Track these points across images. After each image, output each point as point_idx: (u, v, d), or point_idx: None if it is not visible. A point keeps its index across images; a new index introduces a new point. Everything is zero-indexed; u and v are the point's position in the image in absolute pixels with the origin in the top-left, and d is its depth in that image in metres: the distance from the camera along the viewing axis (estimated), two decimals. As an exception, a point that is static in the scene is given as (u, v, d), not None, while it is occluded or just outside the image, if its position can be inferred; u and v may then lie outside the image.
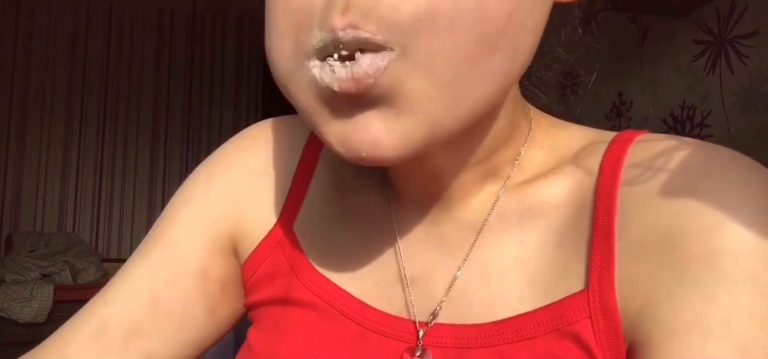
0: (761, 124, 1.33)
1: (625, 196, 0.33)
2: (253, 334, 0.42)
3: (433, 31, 0.26)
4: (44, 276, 3.00)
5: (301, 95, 0.31)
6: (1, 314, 2.75)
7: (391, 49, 0.27)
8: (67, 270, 3.05)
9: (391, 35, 0.27)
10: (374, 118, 0.28)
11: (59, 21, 3.67)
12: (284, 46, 0.30)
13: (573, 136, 0.39)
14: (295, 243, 0.42)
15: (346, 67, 0.28)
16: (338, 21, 0.27)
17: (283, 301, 0.41)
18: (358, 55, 0.27)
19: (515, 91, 0.38)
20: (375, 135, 0.29)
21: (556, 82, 0.43)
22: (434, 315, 0.36)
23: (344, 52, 0.28)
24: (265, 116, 0.48)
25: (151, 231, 0.45)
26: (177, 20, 3.89)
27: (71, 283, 2.99)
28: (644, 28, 1.70)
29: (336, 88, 0.28)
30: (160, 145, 3.85)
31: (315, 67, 0.29)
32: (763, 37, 1.33)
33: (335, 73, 0.28)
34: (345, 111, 0.29)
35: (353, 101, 0.28)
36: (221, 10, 3.90)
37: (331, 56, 0.28)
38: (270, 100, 3.73)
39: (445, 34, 0.27)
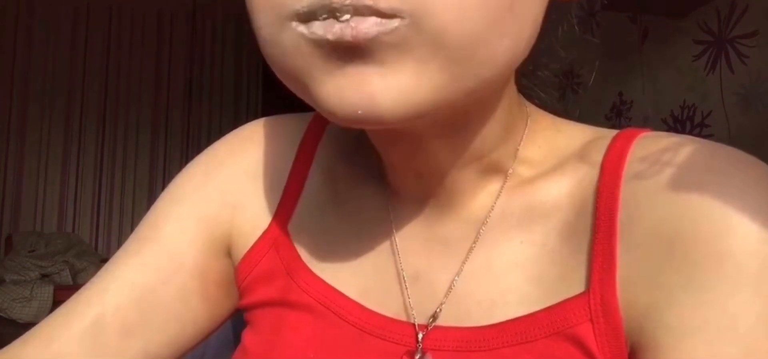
0: (761, 124, 1.33)
1: (628, 195, 0.33)
2: (248, 336, 0.42)
3: (443, 8, 0.26)
4: (44, 276, 3.01)
5: (289, 58, 0.29)
6: (1, 314, 2.75)
7: (402, 18, 0.26)
8: (67, 270, 3.05)
9: (402, 4, 0.25)
10: (372, 74, 0.27)
11: (59, 21, 3.67)
12: (265, 12, 0.29)
13: (573, 134, 0.38)
14: (290, 244, 0.42)
15: (343, 21, 0.26)
16: None
17: (279, 303, 0.41)
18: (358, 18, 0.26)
19: (512, 87, 0.37)
20: (372, 91, 0.27)
21: (557, 81, 0.43)
22: (434, 317, 0.36)
23: (344, 17, 0.26)
24: (264, 116, 0.48)
25: (139, 228, 0.44)
26: (177, 20, 3.89)
27: (71, 283, 3.00)
28: (644, 28, 1.70)
29: (330, 36, 0.26)
30: (159, 145, 3.85)
31: (299, 26, 0.27)
32: (763, 37, 1.33)
33: (328, 27, 0.26)
34: (338, 66, 0.27)
35: (348, 55, 0.27)
36: (221, 10, 3.90)
37: (317, 19, 0.27)
38: (270, 100, 3.73)
39: (455, 10, 0.26)
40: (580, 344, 0.32)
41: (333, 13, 0.26)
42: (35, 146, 3.65)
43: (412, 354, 0.35)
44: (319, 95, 0.28)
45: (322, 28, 0.26)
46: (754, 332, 0.28)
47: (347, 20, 0.26)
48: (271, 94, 3.77)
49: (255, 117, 0.48)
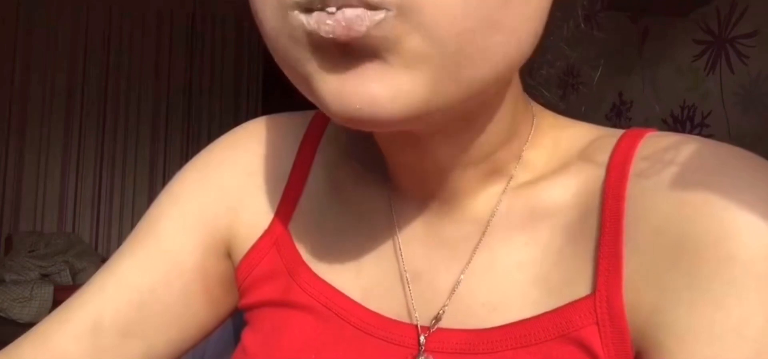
0: (761, 124, 1.33)
1: (634, 195, 0.32)
2: (248, 336, 0.41)
3: (433, 2, 0.25)
4: (44, 276, 3.00)
5: (291, 48, 0.28)
6: (1, 314, 2.75)
7: (388, 10, 0.25)
8: (67, 270, 3.05)
9: None
10: (370, 72, 0.26)
11: (59, 21, 3.67)
12: (269, 3, 0.28)
13: (577, 134, 0.38)
14: (291, 244, 0.41)
15: (332, 14, 0.25)
16: None
17: (280, 304, 0.40)
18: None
19: (517, 88, 0.37)
20: (371, 90, 0.26)
21: (559, 79, 0.42)
22: (437, 318, 0.36)
23: (331, 9, 0.26)
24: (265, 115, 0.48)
25: (137, 229, 0.43)
26: (176, 20, 3.89)
27: (71, 283, 3.00)
28: (644, 28, 1.70)
29: (323, 33, 0.26)
30: (159, 145, 3.85)
31: (301, 15, 0.27)
32: (763, 37, 1.33)
33: (321, 20, 0.26)
34: (339, 63, 0.27)
35: (348, 53, 0.26)
36: (221, 10, 3.90)
37: (313, 9, 0.26)
38: (270, 100, 3.73)
39: (444, 5, 0.25)
40: (585, 348, 0.31)
41: (326, 3, 0.25)
42: (35, 146, 3.64)
43: (414, 356, 0.35)
44: (320, 94, 0.28)
45: (315, 22, 0.26)
46: (761, 335, 0.27)
47: (334, 13, 0.25)
48: (271, 94, 3.77)
49: (255, 117, 0.48)
